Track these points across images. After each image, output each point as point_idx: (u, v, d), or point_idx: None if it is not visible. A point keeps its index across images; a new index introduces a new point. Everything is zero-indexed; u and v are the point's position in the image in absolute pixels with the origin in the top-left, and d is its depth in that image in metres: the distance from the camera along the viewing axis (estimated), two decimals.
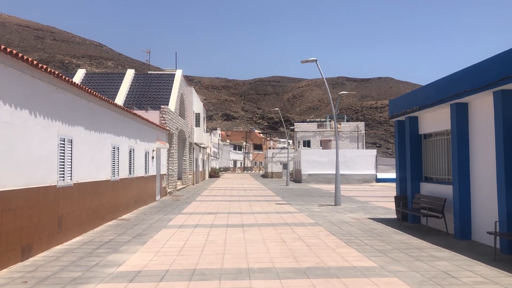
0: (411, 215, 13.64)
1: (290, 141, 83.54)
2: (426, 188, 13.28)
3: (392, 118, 15.15)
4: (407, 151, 14.07)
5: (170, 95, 30.59)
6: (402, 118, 14.58)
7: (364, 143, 62.15)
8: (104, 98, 12.83)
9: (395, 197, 14.64)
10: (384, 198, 23.97)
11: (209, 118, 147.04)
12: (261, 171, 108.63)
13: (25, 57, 7.95)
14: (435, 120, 12.71)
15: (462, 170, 10.81)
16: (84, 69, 34.50)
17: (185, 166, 34.75)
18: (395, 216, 15.16)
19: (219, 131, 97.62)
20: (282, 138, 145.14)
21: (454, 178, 11.07)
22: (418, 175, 13.74)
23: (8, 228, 7.62)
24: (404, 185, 14.63)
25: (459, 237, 10.72)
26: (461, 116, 10.92)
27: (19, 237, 8.01)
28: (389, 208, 18.14)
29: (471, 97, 10.27)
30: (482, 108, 10.24)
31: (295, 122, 68.79)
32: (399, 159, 14.86)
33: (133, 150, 17.04)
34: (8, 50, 7.37)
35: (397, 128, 15.08)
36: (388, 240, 10.50)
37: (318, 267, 7.68)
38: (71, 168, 10.54)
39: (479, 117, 10.43)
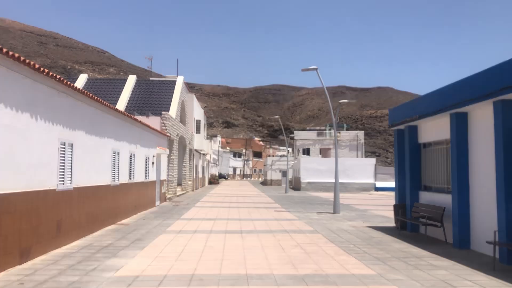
0: (410, 224, 13.63)
1: (290, 149, 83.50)
2: (425, 197, 13.28)
3: (392, 127, 15.19)
4: (407, 160, 14.09)
5: (171, 101, 30.68)
6: (401, 127, 14.61)
7: (364, 152, 62.15)
8: (105, 103, 12.87)
9: (394, 205, 14.63)
10: (383, 207, 23.92)
11: (209, 125, 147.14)
12: (260, 179, 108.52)
13: (27, 61, 7.99)
14: (435, 129, 12.74)
15: (461, 179, 10.82)
16: (86, 75, 34.63)
17: (185, 172, 34.74)
18: (394, 225, 15.12)
19: (219, 138, 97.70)
20: (281, 146, 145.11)
21: (453, 187, 11.08)
22: (417, 184, 13.75)
23: (7, 231, 7.62)
24: (403, 194, 14.62)
25: (458, 246, 10.70)
26: (460, 125, 10.94)
27: (17, 240, 8.00)
28: (388, 217, 18.11)
29: (471, 107, 10.31)
30: (482, 118, 10.26)
31: (295, 130, 68.82)
32: (398, 168, 14.87)
33: (134, 155, 17.05)
34: (11, 53, 7.42)
35: (396, 137, 15.10)
36: (387, 249, 10.48)
37: (317, 274, 7.67)
38: (71, 172, 10.56)
39: (478, 127, 10.46)
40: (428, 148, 13.50)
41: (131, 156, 16.65)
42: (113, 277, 7.26)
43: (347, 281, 7.25)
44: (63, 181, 10.07)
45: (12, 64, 7.71)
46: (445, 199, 11.85)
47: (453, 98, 10.76)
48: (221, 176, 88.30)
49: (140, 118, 22.76)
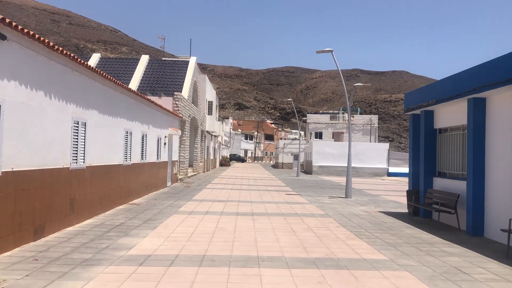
0: (423, 210, 13.52)
1: (302, 133, 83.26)
2: (439, 183, 13.13)
3: (407, 112, 14.97)
4: (421, 145, 13.91)
5: (183, 82, 30.59)
6: (417, 112, 14.39)
7: (377, 137, 61.72)
8: (118, 83, 12.85)
9: (407, 191, 14.52)
10: (395, 192, 23.81)
11: (221, 106, 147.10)
12: (271, 162, 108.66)
13: (41, 39, 7.96)
14: (451, 114, 12.52)
15: (477, 166, 10.65)
16: (99, 54, 34.60)
17: (197, 153, 34.86)
18: (406, 211, 15.04)
19: (231, 120, 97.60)
20: (294, 129, 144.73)
21: (468, 174, 10.92)
22: (431, 170, 13.59)
23: (21, 208, 7.70)
24: (416, 180, 14.48)
25: (471, 233, 10.60)
26: (478, 111, 10.73)
27: (32, 217, 8.09)
28: (400, 203, 18.02)
29: (490, 92, 10.08)
30: (501, 103, 10.04)
31: (308, 114, 68.50)
32: (412, 153, 14.70)
33: (146, 135, 17.09)
34: (25, 31, 7.38)
35: (411, 122, 14.90)
36: (398, 234, 10.42)
37: (328, 258, 7.65)
38: (84, 151, 10.61)
39: (497, 113, 10.24)
40: (444, 133, 13.29)
41: (143, 136, 16.70)
42: (125, 256, 7.32)
43: (358, 265, 7.22)
44: (76, 159, 10.13)
45: (26, 41, 7.68)
46: (459, 186, 11.71)
47: (472, 83, 10.52)
48: (235, 158, 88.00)
49: (152, 98, 22.80)
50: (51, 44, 8.38)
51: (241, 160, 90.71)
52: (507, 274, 7.01)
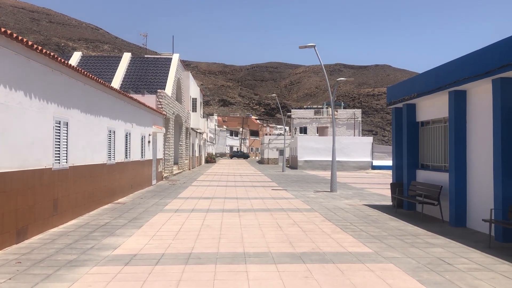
0: (407, 202, 13.69)
1: (287, 128, 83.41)
2: (423, 175, 13.31)
3: (390, 105, 15.11)
4: (404, 138, 14.06)
5: (167, 79, 30.37)
6: (400, 105, 14.54)
7: (361, 130, 62.18)
8: (100, 81, 12.70)
9: (391, 184, 14.67)
10: (379, 185, 24.05)
11: (205, 103, 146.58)
12: (257, 157, 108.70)
13: (20, 38, 7.81)
14: (433, 107, 12.67)
15: (459, 158, 10.82)
16: (80, 52, 34.12)
17: (182, 151, 34.68)
18: (391, 203, 15.20)
19: (215, 117, 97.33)
20: (278, 125, 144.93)
21: (450, 166, 11.08)
22: (414, 162, 13.76)
23: (3, 210, 7.58)
24: (400, 172, 14.65)
25: (454, 224, 10.77)
26: (459, 103, 10.88)
27: (14, 219, 7.97)
28: (385, 195, 18.21)
29: (470, 85, 10.23)
30: (481, 96, 10.20)
31: (292, 109, 68.64)
32: (396, 146, 14.86)
33: (129, 134, 16.95)
34: (3, 30, 7.24)
35: (394, 115, 15.04)
36: (383, 227, 10.53)
37: (314, 252, 7.70)
38: (66, 151, 10.47)
39: (477, 105, 10.40)
40: (426, 126, 13.46)
41: (126, 135, 16.55)
42: (110, 256, 7.26)
43: (344, 259, 7.28)
44: (58, 160, 10.00)
45: (4, 41, 7.54)
46: (442, 178, 11.88)
47: (452, 76, 10.66)
48: (238, 155, 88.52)
49: (135, 96, 22.60)
50: (30, 43, 8.24)
51: (244, 156, 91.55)
52: (489, 263, 7.15)
